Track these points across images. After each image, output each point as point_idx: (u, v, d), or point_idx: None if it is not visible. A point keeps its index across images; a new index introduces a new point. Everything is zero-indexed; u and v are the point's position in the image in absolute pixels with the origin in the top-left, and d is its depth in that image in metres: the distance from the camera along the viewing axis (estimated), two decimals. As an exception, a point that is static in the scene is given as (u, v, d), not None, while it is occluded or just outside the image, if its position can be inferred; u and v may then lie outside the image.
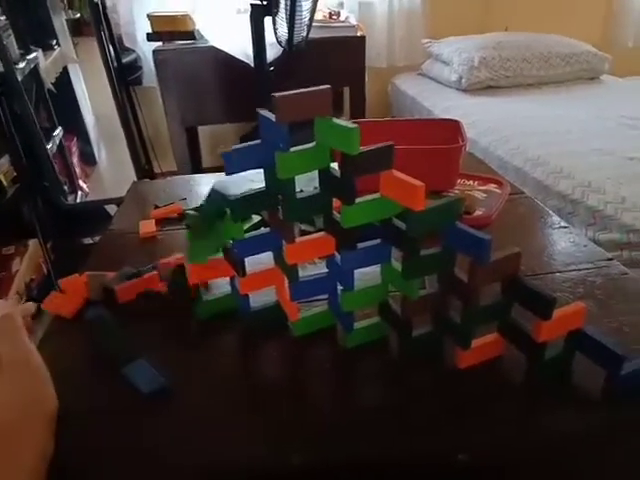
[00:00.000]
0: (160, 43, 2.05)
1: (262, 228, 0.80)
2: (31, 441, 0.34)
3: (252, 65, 1.80)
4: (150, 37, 2.05)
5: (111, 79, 1.95)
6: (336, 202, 0.79)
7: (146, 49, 2.28)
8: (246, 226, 0.80)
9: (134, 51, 2.34)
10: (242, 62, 1.86)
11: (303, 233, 0.76)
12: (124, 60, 2.14)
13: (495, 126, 1.93)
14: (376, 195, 0.47)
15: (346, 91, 2.46)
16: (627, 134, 1.77)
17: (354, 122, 0.92)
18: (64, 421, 0.41)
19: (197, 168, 2.50)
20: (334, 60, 2.10)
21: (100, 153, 2.44)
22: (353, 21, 2.24)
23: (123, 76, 2.09)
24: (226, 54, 1.91)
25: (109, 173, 2.45)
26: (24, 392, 0.34)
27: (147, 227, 0.80)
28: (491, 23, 2.75)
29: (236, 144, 0.48)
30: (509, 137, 1.81)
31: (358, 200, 0.46)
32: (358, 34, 2.15)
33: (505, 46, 2.45)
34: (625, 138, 1.73)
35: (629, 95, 2.30)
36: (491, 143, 1.83)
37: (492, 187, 0.90)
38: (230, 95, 2.06)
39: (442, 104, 2.29)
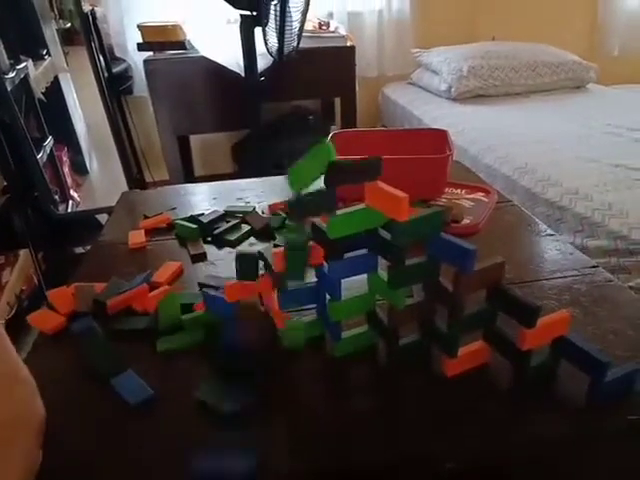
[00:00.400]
0: (151, 53, 2.05)
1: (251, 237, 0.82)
2: (19, 453, 0.34)
3: (243, 75, 1.81)
4: (141, 47, 2.05)
5: (101, 89, 1.96)
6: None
7: (137, 59, 2.29)
8: (236, 236, 0.81)
9: (125, 61, 2.35)
10: (233, 72, 1.87)
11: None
12: (115, 70, 2.14)
13: (484, 135, 1.95)
14: (361, 205, 0.47)
15: (337, 101, 2.48)
16: (613, 141, 1.80)
17: (344, 131, 0.92)
18: (51, 433, 0.41)
19: (189, 177, 2.50)
20: (324, 70, 2.12)
21: (92, 162, 2.43)
22: (343, 31, 2.26)
23: (114, 86, 2.10)
24: (216, 64, 1.92)
25: (101, 182, 2.45)
26: (11, 404, 0.34)
27: (136, 237, 0.81)
28: (479, 33, 2.78)
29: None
30: (497, 145, 1.83)
31: (342, 211, 0.47)
32: (348, 44, 2.17)
33: (493, 55, 2.48)
34: (611, 145, 1.75)
35: (615, 103, 2.33)
36: (480, 151, 1.85)
37: (480, 195, 0.91)
38: (221, 104, 2.07)
39: (432, 113, 2.31)
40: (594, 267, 0.71)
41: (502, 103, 2.37)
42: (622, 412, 0.46)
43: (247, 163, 2.38)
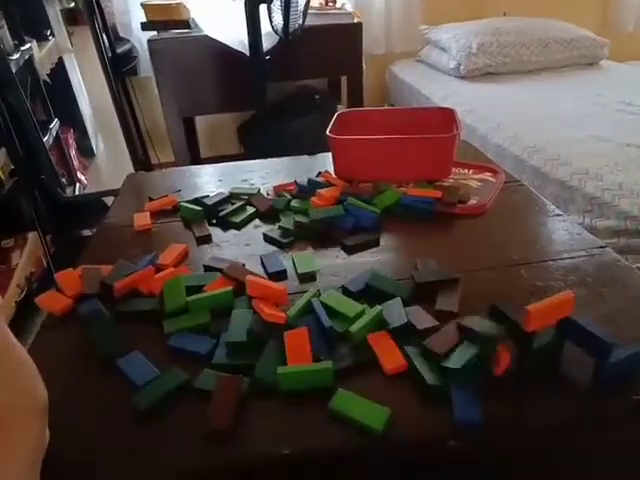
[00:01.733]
0: (155, 32, 2.03)
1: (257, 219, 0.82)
2: (24, 435, 0.35)
3: (248, 54, 1.78)
4: (144, 26, 2.03)
5: (106, 69, 1.94)
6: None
7: (142, 39, 2.26)
8: (241, 218, 0.81)
9: (129, 41, 2.32)
10: (237, 51, 1.85)
11: (297, 225, 0.77)
12: (119, 50, 2.12)
13: (493, 113, 1.92)
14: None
15: (344, 79, 2.44)
16: (625, 120, 1.76)
17: (349, 111, 0.91)
18: (57, 413, 0.42)
19: (195, 158, 2.50)
20: (331, 48, 2.09)
21: (98, 145, 2.43)
22: (349, 8, 2.21)
23: (118, 66, 2.08)
24: (221, 43, 1.89)
25: (107, 165, 2.45)
26: (12, 387, 0.34)
27: (141, 220, 0.81)
28: (489, 8, 2.71)
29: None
30: (506, 124, 1.80)
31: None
32: (355, 21, 2.13)
33: (503, 32, 2.42)
34: (623, 124, 1.72)
35: (628, 80, 2.28)
36: (489, 131, 1.83)
37: (487, 175, 0.90)
38: (226, 84, 2.05)
39: (440, 91, 2.27)
40: (602, 247, 0.70)
41: (512, 81, 2.32)
42: (627, 392, 0.46)
43: (253, 144, 2.37)
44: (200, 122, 2.66)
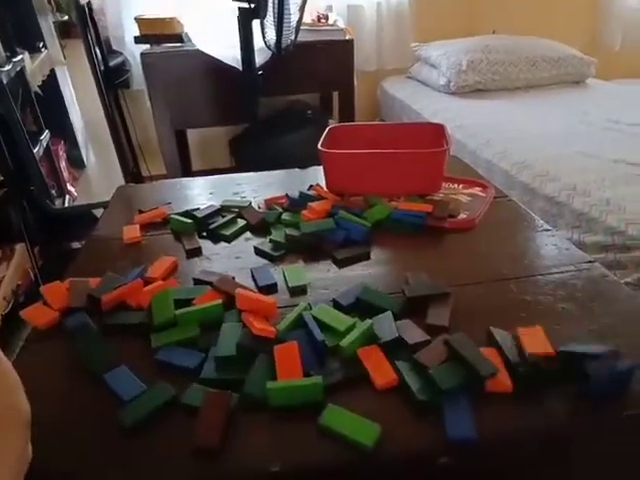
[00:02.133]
0: (148, 46, 2.04)
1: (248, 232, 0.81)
2: (6, 448, 0.34)
3: (240, 69, 1.80)
4: (138, 40, 2.04)
5: (98, 82, 1.94)
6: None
7: (135, 52, 2.27)
8: (231, 230, 0.81)
9: (122, 54, 2.33)
10: (230, 66, 1.86)
11: (288, 238, 0.77)
12: (112, 63, 2.12)
13: (482, 129, 1.94)
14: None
15: (335, 95, 2.46)
16: (612, 137, 1.79)
17: (340, 125, 0.92)
18: (43, 428, 0.41)
19: (187, 171, 2.49)
20: (323, 63, 2.11)
21: (88, 156, 2.42)
22: (341, 24, 2.24)
23: (110, 79, 2.08)
24: (213, 58, 1.90)
25: (98, 176, 2.43)
26: None
27: (131, 232, 0.80)
28: (479, 27, 2.76)
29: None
30: (496, 140, 1.82)
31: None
32: (347, 37, 2.16)
33: (492, 50, 2.46)
34: (610, 141, 1.74)
35: (614, 98, 2.32)
36: (478, 146, 1.85)
37: (477, 190, 0.91)
38: (219, 98, 2.06)
39: (431, 107, 2.30)
40: (590, 262, 0.71)
41: (501, 98, 2.36)
42: (619, 408, 0.46)
43: (245, 158, 2.38)
44: (192, 135, 2.66)
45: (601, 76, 2.68)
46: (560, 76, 2.52)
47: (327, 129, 0.96)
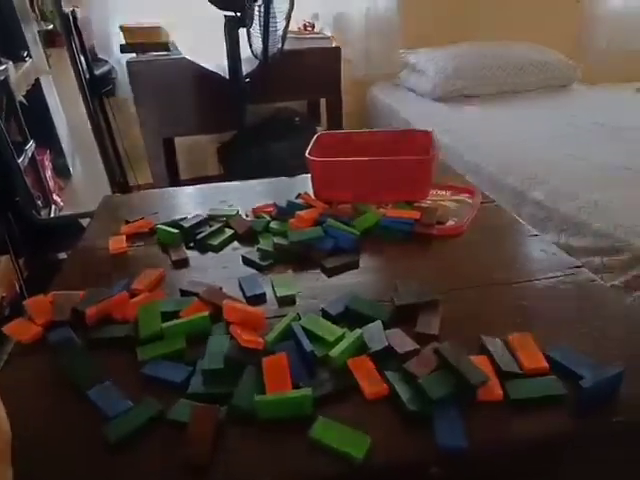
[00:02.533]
0: (134, 55, 2.03)
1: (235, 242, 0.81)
2: None
3: (227, 77, 1.79)
4: (124, 49, 2.03)
5: (83, 90, 1.92)
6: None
7: (121, 60, 2.26)
8: (219, 240, 0.80)
9: (107, 62, 2.31)
10: (216, 74, 1.86)
11: (276, 247, 0.76)
12: (98, 71, 2.11)
13: (470, 134, 1.96)
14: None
15: (323, 102, 2.47)
16: (598, 140, 1.81)
17: (328, 133, 0.91)
18: (25, 446, 0.39)
19: (174, 180, 2.48)
20: (310, 71, 2.12)
21: (75, 165, 2.39)
22: (328, 32, 2.25)
23: (96, 87, 2.06)
24: (200, 66, 1.90)
25: (84, 186, 2.41)
26: None
27: (117, 243, 0.79)
28: (466, 33, 2.79)
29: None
30: (483, 144, 1.84)
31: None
32: (333, 45, 2.17)
33: (479, 55, 2.48)
34: (597, 144, 1.76)
35: (600, 102, 2.35)
36: (466, 150, 1.86)
37: (464, 197, 0.91)
38: (206, 106, 2.05)
39: (419, 113, 2.31)
40: (578, 267, 0.71)
41: (488, 102, 2.38)
42: (608, 413, 0.46)
43: (233, 165, 2.37)
44: (180, 143, 2.65)
45: (587, 80, 2.72)
46: (547, 80, 2.55)
47: (315, 136, 0.96)
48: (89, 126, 2.03)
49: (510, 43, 2.64)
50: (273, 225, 0.82)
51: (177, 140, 2.61)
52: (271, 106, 2.43)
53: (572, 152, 1.68)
